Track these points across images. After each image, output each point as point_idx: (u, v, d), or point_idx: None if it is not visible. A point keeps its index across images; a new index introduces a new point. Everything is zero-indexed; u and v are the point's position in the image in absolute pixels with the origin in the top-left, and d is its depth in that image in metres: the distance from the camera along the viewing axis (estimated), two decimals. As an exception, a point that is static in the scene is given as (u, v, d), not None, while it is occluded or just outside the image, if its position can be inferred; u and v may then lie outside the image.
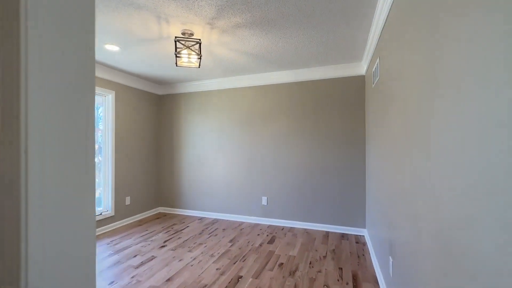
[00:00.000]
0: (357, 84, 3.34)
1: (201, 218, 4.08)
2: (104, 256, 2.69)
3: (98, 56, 3.01)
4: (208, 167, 4.18)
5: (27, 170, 0.42)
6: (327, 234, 3.31)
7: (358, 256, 2.67)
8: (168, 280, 2.22)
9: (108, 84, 3.54)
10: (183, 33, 2.35)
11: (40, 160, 0.45)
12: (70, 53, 0.48)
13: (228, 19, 2.15)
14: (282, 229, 3.54)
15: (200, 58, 2.36)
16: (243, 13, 2.05)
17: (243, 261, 2.56)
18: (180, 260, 2.60)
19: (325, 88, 3.49)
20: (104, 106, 3.61)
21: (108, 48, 2.75)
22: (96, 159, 3.75)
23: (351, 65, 3.29)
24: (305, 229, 3.53)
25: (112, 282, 2.20)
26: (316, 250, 2.82)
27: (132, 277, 2.27)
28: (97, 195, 3.68)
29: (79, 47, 0.51)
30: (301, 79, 3.58)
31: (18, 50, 0.41)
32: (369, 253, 2.72)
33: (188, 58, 2.39)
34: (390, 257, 1.74)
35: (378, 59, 2.22)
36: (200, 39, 2.29)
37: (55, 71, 0.46)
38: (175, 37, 2.25)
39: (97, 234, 3.36)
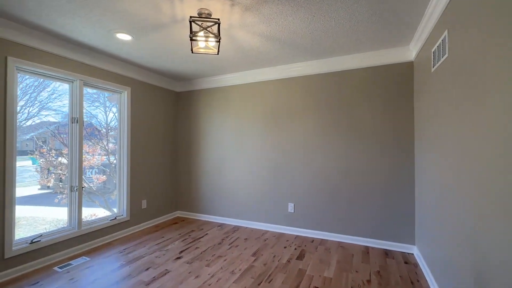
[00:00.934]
0: (403, 73, 2.80)
1: (220, 225, 3.73)
2: (115, 268, 2.43)
3: (110, 48, 2.77)
4: (228, 169, 3.83)
5: None
6: (366, 250, 2.81)
7: (412, 282, 2.15)
8: (182, 303, 1.87)
9: (123, 80, 3.32)
10: (200, 13, 2.01)
11: None
12: None
13: (252, -9, 1.77)
14: (312, 241, 3.09)
15: (219, 42, 2.00)
16: (271, -20, 1.66)
17: (269, 282, 2.16)
18: (197, 277, 2.25)
19: (364, 78, 2.99)
20: (119, 103, 3.40)
21: (119, 37, 2.49)
22: (113, 159, 3.57)
23: (395, 50, 2.77)
24: (340, 242, 3.05)
25: (119, 302, 1.90)
26: (357, 271, 2.34)
27: (141, 297, 1.96)
28: (113, 197, 3.48)
29: None
30: (335, 69, 3.11)
31: None
32: (425, 279, 2.19)
33: (205, 43, 2.04)
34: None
35: (446, 32, 1.72)
36: (219, 19, 1.93)
37: None
38: (190, 17, 1.91)
39: (110, 240, 3.13)
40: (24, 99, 2.57)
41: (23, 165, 2.64)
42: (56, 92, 2.82)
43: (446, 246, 1.72)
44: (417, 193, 2.63)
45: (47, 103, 2.77)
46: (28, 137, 2.75)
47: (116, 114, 3.44)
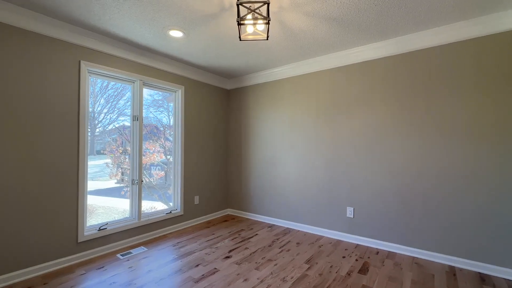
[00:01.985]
0: (505, 48, 2.15)
1: (271, 226, 3.55)
2: (168, 261, 2.47)
3: (164, 47, 2.87)
4: (279, 167, 3.63)
5: None
6: (452, 272, 2.24)
7: (530, 324, 1.57)
8: (229, 308, 1.74)
9: (177, 79, 3.44)
10: (248, -4, 1.86)
11: None
12: None
13: (306, -42, 1.53)
14: (377, 253, 2.64)
15: (268, 24, 1.81)
16: None
17: (326, 297, 1.86)
18: (245, 280, 2.10)
19: (445, 59, 2.42)
20: (174, 102, 3.53)
21: (172, 35, 2.54)
22: (169, 157, 3.75)
23: (494, 16, 2.15)
24: (413, 257, 2.52)
25: (169, 297, 1.88)
26: (441, 298, 1.85)
27: (190, 295, 1.90)
28: (170, 192, 3.65)
29: None
30: (408, 49, 2.61)
31: None
32: (552, 322, 1.58)
33: (254, 27, 1.88)
34: None
35: None
36: (268, -1, 1.75)
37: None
38: (237, 0, 1.77)
39: (165, 233, 3.26)
40: (107, 107, 2.87)
41: (104, 162, 2.95)
42: (130, 100, 3.08)
43: None
44: (530, 203, 1.97)
45: (124, 110, 3.03)
46: (109, 138, 3.05)
47: (172, 112, 3.59)
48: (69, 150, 2.40)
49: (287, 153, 3.54)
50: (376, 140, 2.80)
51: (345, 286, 2.01)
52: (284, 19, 2.24)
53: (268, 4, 1.77)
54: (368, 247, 2.79)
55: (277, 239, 3.06)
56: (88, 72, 2.57)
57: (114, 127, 3.05)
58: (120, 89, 2.96)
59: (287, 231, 3.34)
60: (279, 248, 2.78)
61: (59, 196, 2.33)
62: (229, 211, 4.24)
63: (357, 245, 2.85)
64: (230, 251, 2.70)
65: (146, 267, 2.33)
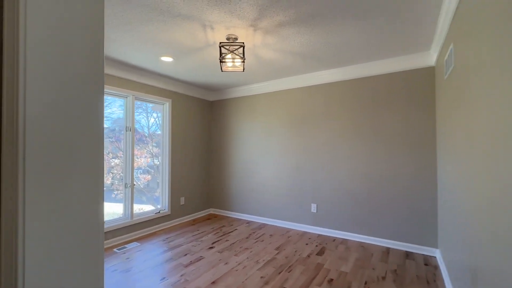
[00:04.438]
0: (425, 77, 2.86)
1: (249, 222, 4.07)
2: (160, 252, 2.90)
3: (156, 68, 3.31)
4: (256, 171, 4.16)
5: (25, 173, 0.41)
6: (387, 251, 2.90)
7: (428, 282, 2.23)
8: (213, 283, 2.23)
9: (165, 93, 3.87)
10: (228, 38, 2.38)
11: (38, 163, 0.43)
12: (73, 51, 0.46)
13: (271, 18, 2.08)
14: (334, 240, 3.25)
15: (243, 62, 2.35)
16: (286, 10, 1.95)
17: (288, 272, 2.42)
18: (226, 263, 2.61)
19: (385, 84, 3.10)
20: (162, 113, 3.96)
21: (163, 60, 3.00)
22: (157, 161, 4.15)
23: (416, 55, 2.84)
24: (361, 242, 3.16)
25: (164, 278, 2.33)
26: (374, 269, 2.48)
27: (181, 276, 2.36)
28: (157, 194, 4.04)
29: (83, 45, 0.48)
30: (355, 76, 3.26)
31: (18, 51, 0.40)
32: (443, 280, 2.25)
33: (232, 63, 2.40)
34: (473, 290, 1.37)
35: (451, 45, 1.83)
36: (243, 42, 2.28)
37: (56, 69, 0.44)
38: (220, 42, 2.29)
39: (155, 230, 3.67)
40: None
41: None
42: (106, 100, 3.43)
43: (456, 247, 1.82)
44: (439, 194, 2.66)
45: (109, 115, 3.39)
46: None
47: (157, 119, 3.99)
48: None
49: (263, 158, 4.09)
50: (334, 148, 3.43)
51: (304, 264, 2.58)
52: (258, 53, 2.79)
53: (244, 46, 2.30)
54: (327, 236, 3.40)
55: (254, 232, 3.58)
56: (87, 89, 2.94)
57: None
58: (108, 102, 3.33)
59: (262, 226, 3.88)
60: (255, 239, 3.31)
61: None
62: (212, 210, 4.70)
63: (319, 235, 3.46)
64: (213, 243, 3.18)
65: (142, 258, 2.75)
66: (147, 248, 3.01)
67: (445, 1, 1.79)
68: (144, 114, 3.92)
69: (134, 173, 3.77)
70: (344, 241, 3.20)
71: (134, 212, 3.49)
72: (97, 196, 0.50)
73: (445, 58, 2.10)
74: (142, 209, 3.79)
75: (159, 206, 3.91)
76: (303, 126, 3.70)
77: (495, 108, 1.06)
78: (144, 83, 3.52)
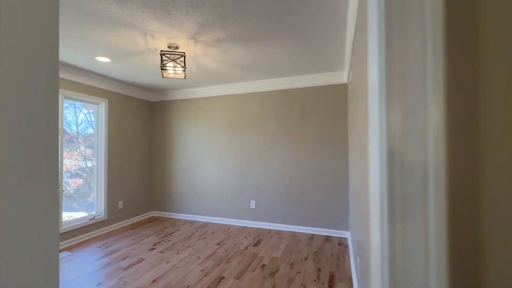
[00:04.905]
0: (341, 92, 3.48)
1: (192, 222, 4.19)
2: (95, 259, 2.80)
3: (90, 67, 3.15)
4: (199, 172, 4.30)
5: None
6: (312, 237, 3.43)
7: (338, 258, 2.78)
8: (154, 281, 2.33)
9: (101, 93, 3.68)
10: (169, 46, 2.49)
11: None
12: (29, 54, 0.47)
13: (210, 34, 2.29)
14: (269, 232, 3.66)
15: (184, 70, 2.50)
16: (223, 29, 2.19)
17: (227, 263, 2.67)
18: (168, 262, 2.71)
19: (311, 96, 3.63)
20: (97, 113, 3.74)
21: (99, 60, 2.89)
22: (90, 164, 3.89)
23: (336, 73, 3.44)
24: (292, 232, 3.64)
25: (101, 283, 2.31)
26: (299, 252, 2.93)
27: (120, 278, 2.38)
28: (90, 199, 3.80)
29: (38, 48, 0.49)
30: (287, 87, 3.72)
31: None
32: (349, 255, 2.84)
33: (174, 70, 2.53)
34: (358, 257, 1.86)
35: (350, 69, 2.36)
36: (184, 52, 2.43)
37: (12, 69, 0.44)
38: (161, 51, 2.39)
39: (90, 237, 3.47)
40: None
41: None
42: None
43: (353, 227, 2.36)
44: (350, 188, 3.30)
45: None
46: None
47: (88, 115, 3.75)
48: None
49: (206, 159, 4.25)
50: (270, 150, 3.84)
51: (242, 255, 2.88)
52: (199, 61, 2.96)
53: (185, 56, 2.46)
54: (264, 229, 3.80)
55: (196, 231, 3.73)
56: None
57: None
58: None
59: (205, 224, 4.05)
60: (197, 237, 3.47)
61: None
62: (153, 213, 4.63)
63: (257, 228, 3.82)
64: (155, 244, 3.22)
65: (74, 267, 2.62)
66: (80, 257, 2.87)
67: (347, 39, 2.30)
68: (71, 109, 3.60)
69: (64, 178, 3.49)
70: (278, 232, 3.64)
71: (63, 220, 3.24)
72: (52, 201, 0.50)
73: (350, 78, 2.66)
74: (72, 216, 3.52)
75: (93, 212, 3.69)
76: (244, 129, 4.01)
77: (362, 117, 1.51)
78: (76, 81, 3.30)
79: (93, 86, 3.54)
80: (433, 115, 0.41)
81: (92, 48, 2.59)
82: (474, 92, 0.33)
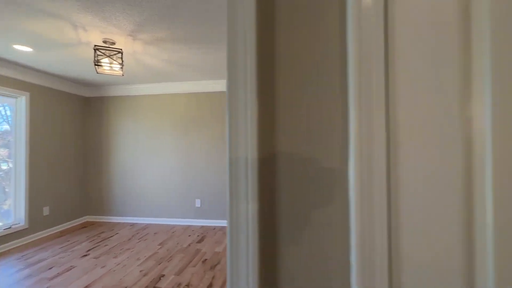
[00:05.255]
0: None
1: (132, 224, 4.01)
2: (13, 272, 2.50)
3: (7, 55, 2.77)
4: (140, 172, 4.14)
5: None
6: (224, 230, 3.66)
7: (275, 247, 3.06)
8: (86, 287, 2.22)
9: (20, 85, 3.25)
10: (105, 41, 2.39)
11: None
12: None
13: (149, 33, 2.29)
14: (214, 228, 3.76)
15: (122, 67, 2.42)
16: (162, 30, 2.22)
17: (168, 261, 2.69)
18: (103, 266, 2.59)
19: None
20: (15, 109, 3.29)
21: (18, 49, 2.58)
22: (5, 166, 3.37)
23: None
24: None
25: (20, 296, 2.09)
26: (240, 245, 3.12)
27: (45, 289, 2.19)
28: (6, 207, 3.31)
29: None
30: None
31: None
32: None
33: (110, 66, 2.43)
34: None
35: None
36: (121, 49, 2.37)
37: None
38: (95, 45, 2.28)
39: (7, 249, 3.04)
40: None
41: None
42: None
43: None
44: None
45: None
46: None
47: (2, 110, 3.29)
48: None
49: (148, 159, 4.12)
50: (215, 148, 3.94)
51: (184, 252, 2.92)
52: (139, 58, 2.88)
53: (122, 53, 2.39)
54: (209, 226, 3.89)
55: (137, 233, 3.60)
56: None
57: None
58: None
59: (147, 226, 3.93)
60: (138, 239, 3.36)
61: None
62: (88, 218, 4.26)
63: (202, 226, 3.89)
64: (88, 250, 3.01)
65: (-16, 283, 2.30)
66: (-8, 271, 2.51)
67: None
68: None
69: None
70: (222, 228, 3.77)
71: (-31, 231, 2.78)
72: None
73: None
74: (-19, 227, 3.03)
75: (10, 221, 3.24)
76: (188, 129, 4.02)
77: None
78: (-15, 70, 2.85)
79: (10, 77, 3.10)
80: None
81: (8, 35, 2.30)
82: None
